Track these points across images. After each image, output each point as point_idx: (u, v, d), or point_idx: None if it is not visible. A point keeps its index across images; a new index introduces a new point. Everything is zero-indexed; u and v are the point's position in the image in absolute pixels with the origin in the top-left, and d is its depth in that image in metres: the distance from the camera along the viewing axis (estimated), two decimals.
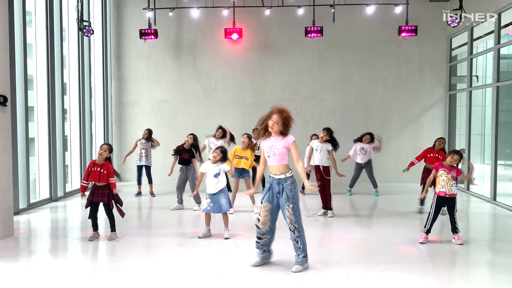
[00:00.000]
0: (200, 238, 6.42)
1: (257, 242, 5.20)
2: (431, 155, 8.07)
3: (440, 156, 7.90)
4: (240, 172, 8.21)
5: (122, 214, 6.43)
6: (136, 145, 10.06)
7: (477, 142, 11.70)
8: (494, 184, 9.18)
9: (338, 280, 4.77)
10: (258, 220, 5.11)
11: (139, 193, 10.16)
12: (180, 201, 8.63)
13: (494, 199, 9.18)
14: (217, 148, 6.67)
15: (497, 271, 5.30)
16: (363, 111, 12.27)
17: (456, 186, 6.23)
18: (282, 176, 4.96)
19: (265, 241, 5.18)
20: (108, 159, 6.35)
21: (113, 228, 6.47)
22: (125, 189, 11.13)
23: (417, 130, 12.16)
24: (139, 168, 10.08)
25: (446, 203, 6.23)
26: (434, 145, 8.20)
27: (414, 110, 12.24)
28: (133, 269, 5.16)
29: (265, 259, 5.28)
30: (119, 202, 6.38)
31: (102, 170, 6.21)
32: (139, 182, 10.18)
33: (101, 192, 6.26)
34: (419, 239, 6.23)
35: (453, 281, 4.87)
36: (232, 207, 7.61)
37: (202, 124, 11.47)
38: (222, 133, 9.66)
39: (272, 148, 4.95)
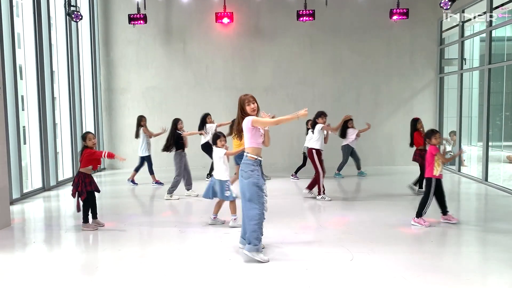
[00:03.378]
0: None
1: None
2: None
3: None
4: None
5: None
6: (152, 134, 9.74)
7: (464, 124, 11.80)
8: (486, 165, 9.33)
9: (344, 262, 4.82)
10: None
11: (157, 182, 9.72)
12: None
13: (486, 180, 9.33)
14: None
15: (496, 249, 5.40)
16: (355, 95, 12.29)
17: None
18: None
19: None
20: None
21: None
22: (119, 177, 11.06)
23: (408, 113, 12.18)
24: (148, 158, 9.65)
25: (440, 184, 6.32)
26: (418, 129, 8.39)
27: (405, 94, 12.31)
28: (137, 257, 5.13)
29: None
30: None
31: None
32: (152, 172, 9.74)
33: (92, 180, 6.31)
34: (424, 225, 6.18)
35: (453, 261, 4.96)
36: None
37: (193, 110, 11.36)
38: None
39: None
